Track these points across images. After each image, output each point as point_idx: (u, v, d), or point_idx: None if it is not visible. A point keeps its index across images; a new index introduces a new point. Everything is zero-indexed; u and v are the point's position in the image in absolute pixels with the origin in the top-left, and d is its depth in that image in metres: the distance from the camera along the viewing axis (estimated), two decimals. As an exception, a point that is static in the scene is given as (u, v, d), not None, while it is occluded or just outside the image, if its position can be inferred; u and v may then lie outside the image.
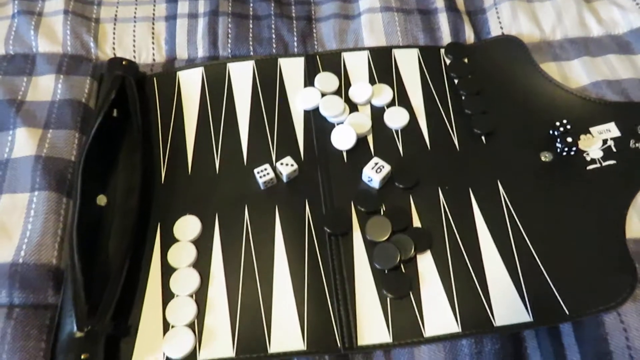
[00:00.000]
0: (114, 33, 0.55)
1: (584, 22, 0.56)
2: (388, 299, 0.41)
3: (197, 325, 0.40)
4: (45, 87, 0.50)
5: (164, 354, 0.39)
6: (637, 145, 0.47)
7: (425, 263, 0.42)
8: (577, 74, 0.52)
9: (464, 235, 0.43)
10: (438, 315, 0.40)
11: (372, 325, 0.40)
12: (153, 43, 0.56)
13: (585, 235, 0.42)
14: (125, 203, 0.45)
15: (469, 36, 0.56)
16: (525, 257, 0.42)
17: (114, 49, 0.55)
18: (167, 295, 0.41)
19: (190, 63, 0.54)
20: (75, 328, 0.37)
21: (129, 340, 0.39)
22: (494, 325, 0.39)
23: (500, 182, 0.46)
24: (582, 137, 0.47)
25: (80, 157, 0.44)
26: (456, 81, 0.52)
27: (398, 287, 0.41)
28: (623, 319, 0.38)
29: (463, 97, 0.51)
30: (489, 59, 0.53)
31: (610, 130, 0.48)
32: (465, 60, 0.53)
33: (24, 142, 0.46)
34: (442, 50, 0.54)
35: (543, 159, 0.47)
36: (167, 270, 0.42)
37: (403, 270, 0.42)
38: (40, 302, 0.39)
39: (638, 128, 0.48)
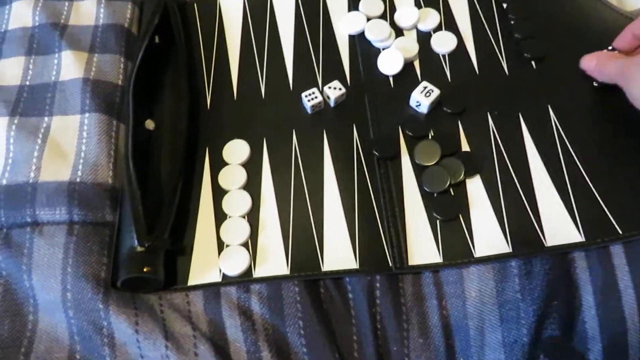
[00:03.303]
0: (153, -43, 0.54)
1: (640, -59, 0.54)
2: (438, 221, 0.41)
3: (250, 245, 0.41)
4: (87, 12, 0.50)
5: (220, 271, 0.40)
6: (694, 68, 0.45)
7: (475, 186, 0.42)
8: (633, -2, 0.51)
9: (514, 159, 0.43)
10: (488, 236, 0.40)
11: (422, 246, 0.41)
12: (192, -33, 0.54)
13: (637, 157, 0.42)
14: (174, 127, 0.46)
15: (519, -42, 0.54)
16: (576, 178, 0.42)
17: (153, -27, 0.54)
18: (220, 217, 0.42)
19: (231, -12, 0.53)
20: (136, 243, 0.38)
21: (186, 259, 0.41)
22: (545, 245, 0.40)
23: (551, 106, 0.45)
24: (637, 61, 0.46)
25: (128, 81, 0.44)
26: (505, 5, 0.51)
27: (448, 209, 0.42)
28: (676, 240, 0.38)
29: (512, 22, 0.49)
30: (540, -18, 0.52)
31: (667, 54, 0.46)
32: (515, -17, 0.52)
33: (70, 65, 0.46)
34: (491, -26, 0.52)
35: (595, 84, 0.46)
36: (219, 193, 0.43)
37: (452, 194, 0.42)
38: (99, 219, 0.40)
39: (696, 51, 0.46)
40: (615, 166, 0.42)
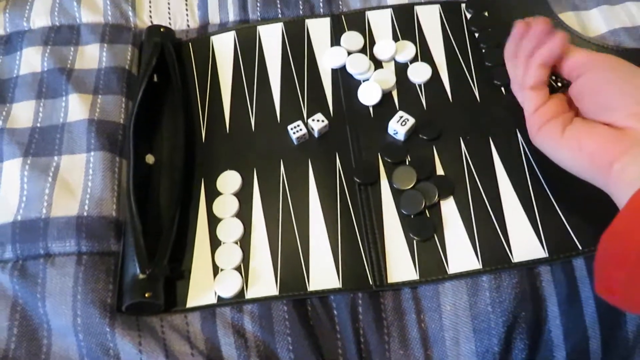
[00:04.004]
0: (149, 1, 0.59)
1: (602, -29, 0.57)
2: (414, 241, 0.45)
3: (243, 268, 0.45)
4: (91, 56, 0.54)
5: (215, 294, 0.44)
6: (652, 91, 0.48)
7: (448, 208, 0.46)
8: (596, 23, 0.54)
9: (485, 181, 0.47)
10: (460, 254, 0.44)
11: (400, 264, 0.44)
12: (187, 9, 0.59)
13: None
14: (171, 161, 0.50)
15: (489, -10, 0.57)
16: (542, 198, 0.45)
17: (150, 16, 0.58)
18: (215, 243, 0.46)
19: (222, 27, 0.57)
20: (138, 271, 0.42)
21: (184, 283, 0.44)
22: (512, 261, 0.43)
23: (519, 131, 0.48)
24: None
25: (129, 120, 0.49)
26: (477, 35, 0.54)
27: (423, 230, 0.45)
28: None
29: (483, 50, 0.53)
30: (509, 12, 0.55)
31: (626, 78, 0.49)
32: (486, 13, 0.55)
33: (77, 107, 0.50)
34: (463, 5, 0.56)
35: (558, 84, 0.48)
36: (213, 220, 0.47)
37: (428, 215, 0.46)
38: (104, 249, 0.44)
39: (654, 74, 0.49)
40: (576, 186, 0.45)
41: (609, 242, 0.34)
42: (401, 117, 0.49)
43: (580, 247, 0.43)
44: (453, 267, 0.44)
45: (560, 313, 0.42)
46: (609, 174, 0.37)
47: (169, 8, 0.59)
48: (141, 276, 0.42)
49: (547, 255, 0.43)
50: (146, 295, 0.41)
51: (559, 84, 0.44)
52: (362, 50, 0.54)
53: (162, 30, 0.55)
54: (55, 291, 0.42)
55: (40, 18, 0.57)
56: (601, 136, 0.38)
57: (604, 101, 0.39)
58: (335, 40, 0.55)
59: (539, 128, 0.42)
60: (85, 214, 0.45)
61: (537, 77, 0.43)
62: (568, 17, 0.54)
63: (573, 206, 0.44)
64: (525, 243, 0.44)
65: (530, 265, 0.43)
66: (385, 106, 0.51)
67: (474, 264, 0.43)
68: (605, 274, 0.35)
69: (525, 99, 0.44)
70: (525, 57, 0.44)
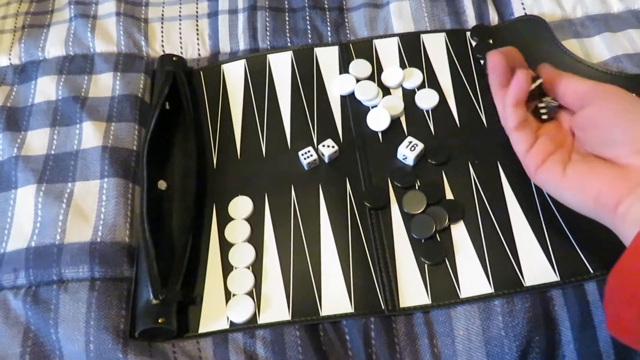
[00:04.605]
0: (162, 31, 0.60)
1: (604, -2, 0.58)
2: (426, 265, 0.45)
3: (255, 293, 0.45)
4: (105, 84, 0.55)
5: (228, 319, 0.44)
6: (657, 115, 0.49)
7: (459, 232, 0.46)
8: (598, 50, 0.55)
9: (494, 205, 0.47)
10: (472, 278, 0.44)
11: (412, 289, 0.44)
12: (198, 39, 0.60)
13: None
14: (183, 187, 0.50)
15: (493, 18, 0.59)
16: (552, 222, 0.45)
17: (162, 46, 0.59)
18: (227, 268, 0.46)
19: (233, 56, 0.59)
20: (151, 296, 0.42)
21: (196, 308, 0.44)
22: (524, 285, 0.43)
23: (527, 155, 0.49)
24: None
25: (142, 147, 0.49)
26: (482, 62, 0.55)
27: (434, 254, 0.45)
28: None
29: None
30: (513, 39, 0.56)
31: (631, 103, 0.50)
32: (491, 41, 0.56)
33: (91, 134, 0.51)
34: (468, 33, 0.57)
35: (544, 117, 0.47)
36: (225, 246, 0.47)
37: (438, 239, 0.46)
38: (117, 275, 0.45)
39: (658, 99, 0.50)
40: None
41: (616, 280, 0.34)
42: (410, 142, 0.49)
43: (592, 271, 0.43)
44: (465, 291, 0.44)
45: (574, 338, 0.42)
46: (615, 214, 0.36)
47: (180, 37, 0.60)
48: (154, 302, 0.42)
49: (558, 278, 0.43)
50: (159, 321, 0.41)
51: (545, 117, 0.43)
52: (370, 78, 0.55)
53: (174, 59, 0.56)
54: (68, 317, 0.42)
55: (55, 48, 0.59)
56: (605, 176, 0.37)
57: (609, 136, 0.38)
58: (343, 68, 0.56)
59: (536, 169, 0.41)
60: (98, 239, 0.45)
61: (516, 118, 0.41)
62: (571, 44, 0.56)
63: (583, 230, 0.45)
64: (536, 267, 0.44)
65: (542, 289, 0.43)
66: (394, 132, 0.52)
67: (486, 287, 0.44)
68: (615, 312, 0.35)
69: (512, 142, 0.43)
70: (497, 93, 0.43)
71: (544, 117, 0.43)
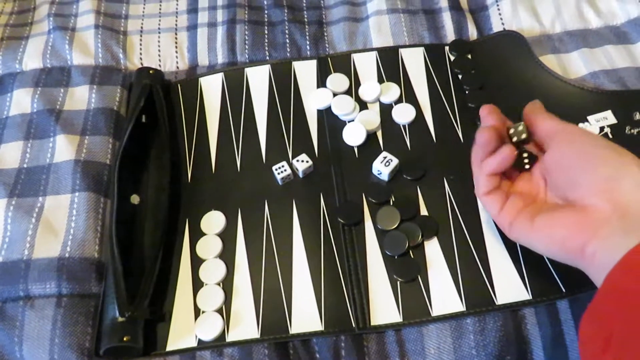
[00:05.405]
0: (140, 44, 0.60)
1: (582, 14, 0.58)
2: (398, 283, 0.45)
3: (224, 310, 0.44)
4: (80, 97, 0.55)
5: (196, 337, 0.43)
6: (632, 131, 0.49)
7: (432, 249, 0.46)
8: (576, 65, 0.55)
9: (468, 222, 0.47)
10: (444, 296, 0.44)
11: (384, 306, 0.44)
12: (177, 52, 0.60)
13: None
14: (156, 201, 0.50)
15: (472, 33, 0.59)
16: None
17: (141, 58, 0.59)
18: (197, 284, 0.46)
19: (211, 69, 0.58)
20: (117, 314, 0.41)
21: (165, 325, 0.44)
22: (496, 303, 0.43)
23: (502, 171, 0.49)
24: (580, 125, 0.50)
25: (115, 161, 0.49)
26: (460, 76, 0.55)
27: (407, 271, 0.45)
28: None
29: (467, 92, 0.54)
30: (491, 54, 0.56)
31: (607, 118, 0.50)
32: (469, 56, 0.56)
33: (64, 148, 0.51)
34: (447, 48, 0.57)
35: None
36: (196, 261, 0.47)
37: (412, 256, 0.46)
38: (85, 291, 0.44)
39: (634, 115, 0.50)
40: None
41: (589, 324, 0.34)
42: (385, 157, 0.49)
43: (564, 290, 0.42)
44: (437, 309, 0.43)
45: (546, 356, 0.41)
46: (583, 257, 0.36)
47: (159, 50, 0.60)
48: (120, 319, 0.41)
49: (530, 297, 0.42)
50: (125, 338, 0.41)
51: (527, 167, 0.42)
52: (348, 92, 0.55)
53: (151, 72, 0.56)
54: (32, 335, 0.42)
55: (32, 60, 0.58)
56: (569, 221, 0.37)
57: (571, 177, 0.38)
58: (321, 82, 0.56)
59: (509, 226, 0.41)
60: (67, 255, 0.45)
61: (489, 186, 0.42)
62: (549, 60, 0.55)
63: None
64: (508, 285, 0.43)
65: (514, 307, 0.42)
66: (370, 147, 0.52)
67: (458, 305, 0.43)
68: (591, 354, 0.34)
69: (483, 204, 0.44)
70: (477, 164, 0.43)
71: (527, 167, 0.42)
